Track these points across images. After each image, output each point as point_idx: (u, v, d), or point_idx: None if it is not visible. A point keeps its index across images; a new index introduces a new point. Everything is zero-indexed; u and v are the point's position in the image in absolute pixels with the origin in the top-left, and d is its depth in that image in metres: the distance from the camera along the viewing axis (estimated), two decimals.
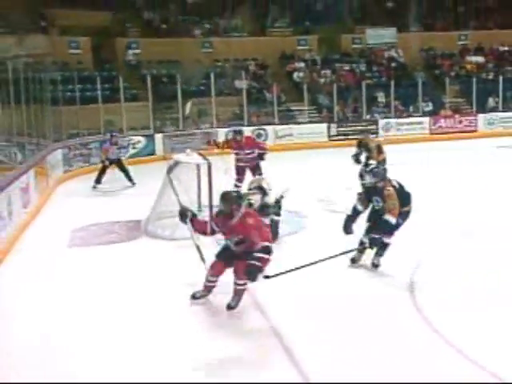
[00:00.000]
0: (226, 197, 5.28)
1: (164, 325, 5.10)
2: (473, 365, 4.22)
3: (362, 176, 9.90)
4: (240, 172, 9.98)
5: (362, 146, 10.35)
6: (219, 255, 5.47)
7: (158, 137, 16.01)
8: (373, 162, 9.69)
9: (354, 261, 6.46)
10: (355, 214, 6.40)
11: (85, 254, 7.29)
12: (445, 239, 7.24)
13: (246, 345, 4.72)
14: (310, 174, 9.73)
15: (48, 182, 11.20)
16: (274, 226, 7.24)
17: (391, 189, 6.15)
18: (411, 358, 4.41)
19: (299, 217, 8.60)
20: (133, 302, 5.60)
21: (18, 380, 4.30)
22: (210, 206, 7.59)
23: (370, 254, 6.40)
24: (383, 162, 9.80)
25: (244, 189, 9.11)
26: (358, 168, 9.79)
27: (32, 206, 9.31)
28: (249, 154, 9.91)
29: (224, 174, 9.33)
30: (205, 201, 8.05)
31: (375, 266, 6.36)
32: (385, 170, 6.56)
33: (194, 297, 5.51)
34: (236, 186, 9.61)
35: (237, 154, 10.02)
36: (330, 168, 10.83)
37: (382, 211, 6.13)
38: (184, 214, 5.60)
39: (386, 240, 6.29)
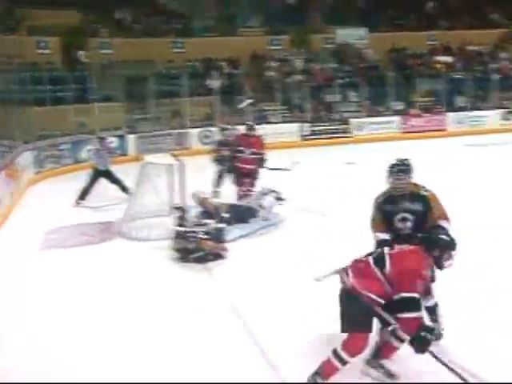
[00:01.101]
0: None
1: (143, 326, 5.10)
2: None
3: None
4: (242, 176, 9.17)
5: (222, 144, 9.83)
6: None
7: (131, 137, 15.90)
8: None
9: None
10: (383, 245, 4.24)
11: (58, 257, 7.24)
12: None
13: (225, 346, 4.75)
14: (284, 174, 9.71)
15: (19, 183, 11.06)
16: (219, 232, 7.27)
17: (429, 189, 4.59)
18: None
19: (275, 219, 8.56)
20: (110, 305, 5.60)
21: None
22: (183, 208, 7.59)
23: None
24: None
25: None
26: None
27: (3, 207, 9.18)
28: (252, 154, 9.14)
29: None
30: (177, 202, 8.03)
31: (438, 336, 4.34)
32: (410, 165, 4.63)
33: None
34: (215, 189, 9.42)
35: (239, 151, 9.18)
36: (304, 168, 10.85)
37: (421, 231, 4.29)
38: None
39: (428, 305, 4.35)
